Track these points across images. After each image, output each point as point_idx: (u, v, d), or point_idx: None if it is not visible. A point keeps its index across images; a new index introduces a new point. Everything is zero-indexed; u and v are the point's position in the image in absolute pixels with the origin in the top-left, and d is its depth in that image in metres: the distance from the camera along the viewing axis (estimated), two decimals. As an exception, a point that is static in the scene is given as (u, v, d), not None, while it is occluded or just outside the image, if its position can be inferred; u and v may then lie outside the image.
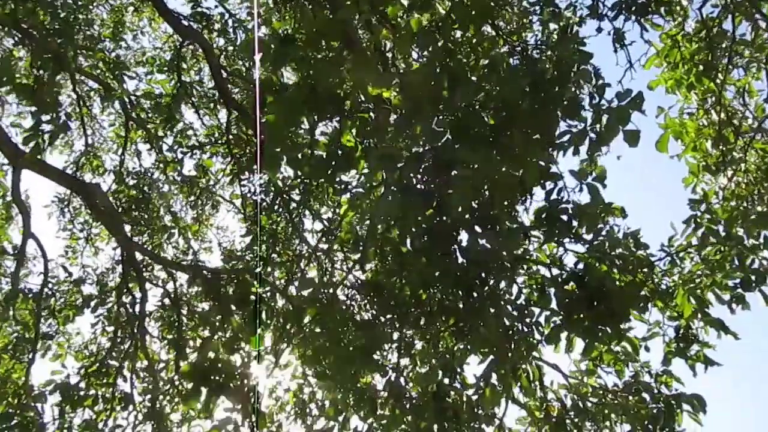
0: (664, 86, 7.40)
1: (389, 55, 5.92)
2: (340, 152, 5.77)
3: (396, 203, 6.77)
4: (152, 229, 10.65)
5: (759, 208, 6.69)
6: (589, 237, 6.83)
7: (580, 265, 6.40)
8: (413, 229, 6.97)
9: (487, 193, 6.40)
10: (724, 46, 7.04)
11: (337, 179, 6.28)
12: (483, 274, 7.06)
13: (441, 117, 5.74)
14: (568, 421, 7.78)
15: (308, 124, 5.86)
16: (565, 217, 6.30)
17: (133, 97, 11.84)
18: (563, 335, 7.48)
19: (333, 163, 5.77)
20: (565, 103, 5.98)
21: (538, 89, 5.98)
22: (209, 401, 6.58)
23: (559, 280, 6.40)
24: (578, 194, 6.27)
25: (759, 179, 6.87)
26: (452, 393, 6.46)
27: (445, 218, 7.01)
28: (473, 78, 5.74)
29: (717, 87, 7.03)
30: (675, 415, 6.81)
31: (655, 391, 7.09)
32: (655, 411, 7.01)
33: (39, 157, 7.32)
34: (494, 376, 6.50)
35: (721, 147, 7.14)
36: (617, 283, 6.22)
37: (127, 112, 11.69)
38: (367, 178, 5.87)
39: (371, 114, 5.77)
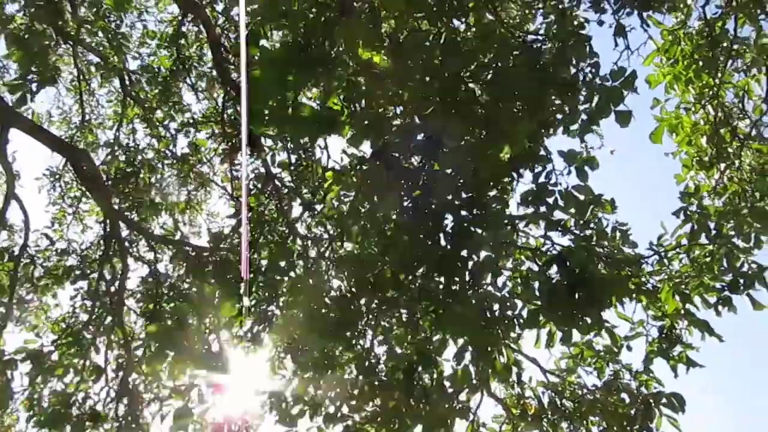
0: (662, 82, 7.30)
1: (382, 16, 5.80)
2: (325, 114, 5.64)
3: (381, 179, 6.67)
4: (139, 203, 10.51)
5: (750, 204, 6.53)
6: (575, 227, 6.74)
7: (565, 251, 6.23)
8: (397, 208, 6.86)
9: (474, 170, 6.28)
10: (725, 45, 6.94)
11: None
12: (466, 259, 6.93)
13: (431, 85, 5.63)
14: (544, 419, 7.60)
15: (295, 84, 5.74)
16: (551, 200, 6.17)
17: (133, 77, 11.81)
18: (544, 330, 7.37)
19: (317, 125, 5.64)
20: (561, 83, 5.89)
21: (533, 66, 5.89)
22: (175, 366, 6.41)
23: (542, 262, 6.23)
24: (567, 177, 6.16)
25: (752, 179, 6.74)
26: (424, 375, 6.28)
27: (431, 199, 6.91)
28: (465, 48, 5.63)
29: (715, 84, 6.92)
30: (653, 416, 6.63)
31: (635, 390, 6.92)
32: (632, 411, 6.83)
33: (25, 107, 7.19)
34: (468, 356, 6.32)
35: (716, 143, 7.02)
36: (601, 270, 6.06)
37: (126, 89, 11.62)
38: (352, 143, 5.73)
39: (360, 78, 5.65)
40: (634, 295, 6.64)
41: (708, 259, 7.07)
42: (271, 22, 5.46)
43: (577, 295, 6.05)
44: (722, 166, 6.87)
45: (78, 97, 12.29)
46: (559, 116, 5.81)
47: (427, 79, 5.80)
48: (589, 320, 6.23)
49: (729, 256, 6.67)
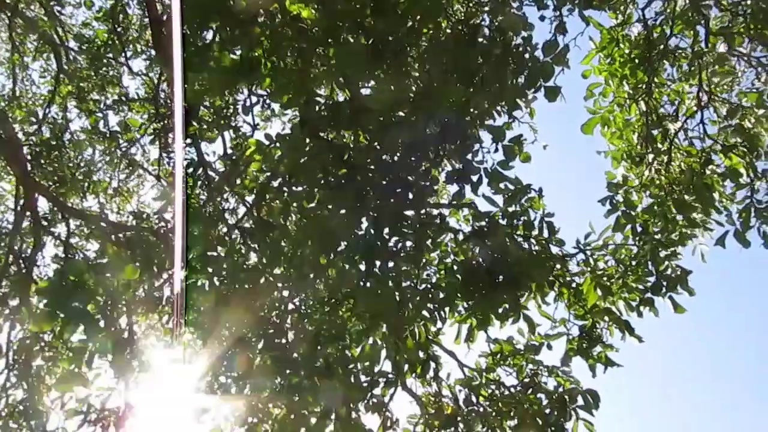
0: (600, 86, 7.29)
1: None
2: (245, 63, 5.38)
3: (304, 149, 6.42)
4: (61, 179, 9.99)
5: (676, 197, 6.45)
6: (503, 218, 6.57)
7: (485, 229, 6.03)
8: (321, 181, 6.60)
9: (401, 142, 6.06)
10: (662, 47, 6.94)
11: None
12: (388, 242, 6.68)
13: (358, 42, 5.42)
14: (460, 419, 7.31)
15: (218, 33, 5.48)
16: (475, 178, 5.98)
17: (70, 54, 11.40)
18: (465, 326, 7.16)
19: (237, 73, 5.37)
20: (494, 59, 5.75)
21: (466, 40, 5.76)
22: (66, 328, 5.91)
23: (460, 239, 6.02)
24: (493, 155, 5.99)
25: (680, 178, 6.66)
26: (329, 349, 5.94)
27: (357, 177, 6.66)
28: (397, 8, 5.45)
29: (649, 80, 6.90)
30: (567, 414, 6.40)
31: (551, 388, 6.70)
32: (547, 411, 6.60)
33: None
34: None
35: (645, 138, 6.97)
36: (521, 250, 5.87)
37: (61, 65, 11.19)
38: (273, 98, 5.47)
39: (286, 30, 5.42)
40: (555, 287, 6.46)
41: (634, 263, 6.96)
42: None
43: (496, 278, 5.84)
44: (650, 157, 6.80)
45: (10, 71, 11.83)
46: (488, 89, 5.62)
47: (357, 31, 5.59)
48: (507, 306, 6.03)
49: (654, 255, 6.56)
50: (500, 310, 6.10)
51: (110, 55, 10.16)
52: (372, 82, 5.79)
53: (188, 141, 9.89)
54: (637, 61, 6.90)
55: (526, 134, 7.46)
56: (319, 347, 5.79)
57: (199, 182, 10.22)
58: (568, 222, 6.75)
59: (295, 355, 5.94)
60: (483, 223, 6.12)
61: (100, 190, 10.29)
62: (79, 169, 10.65)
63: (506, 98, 5.69)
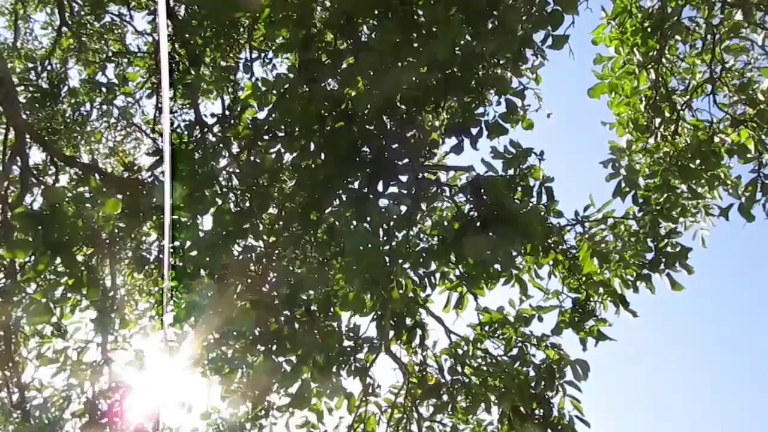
0: (608, 46, 7.10)
1: None
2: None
3: (299, 94, 6.22)
4: (54, 129, 9.80)
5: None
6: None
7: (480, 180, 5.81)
8: (317, 132, 6.39)
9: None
10: (675, 19, 6.74)
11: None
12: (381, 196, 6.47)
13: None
14: (443, 391, 7.10)
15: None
16: (475, 131, 5.76)
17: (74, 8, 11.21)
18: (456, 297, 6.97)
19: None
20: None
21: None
22: (41, 258, 5.70)
23: (455, 190, 5.80)
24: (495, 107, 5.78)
25: (684, 150, 6.46)
26: (310, 296, 5.73)
27: (354, 129, 6.45)
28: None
29: (660, 46, 6.69)
30: (554, 386, 6.19)
31: (538, 361, 6.49)
32: (534, 383, 6.38)
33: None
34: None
35: (652, 107, 6.76)
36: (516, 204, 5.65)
37: (64, 17, 11.00)
38: (270, 29, 5.26)
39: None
40: (551, 256, 6.25)
41: (633, 240, 6.75)
42: None
43: (489, 232, 5.61)
44: (657, 121, 6.59)
45: (12, 21, 11.65)
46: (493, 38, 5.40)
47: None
48: (499, 267, 5.82)
49: (653, 229, 6.35)
50: (491, 270, 5.89)
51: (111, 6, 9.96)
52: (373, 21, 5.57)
53: (187, 102, 9.75)
54: (649, 30, 6.71)
55: (530, 101, 7.24)
56: (302, 294, 5.57)
57: (196, 143, 10.05)
58: (567, 197, 6.52)
59: (276, 300, 5.75)
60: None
61: (94, 142, 10.10)
62: (75, 121, 10.48)
63: (513, 46, 5.46)
